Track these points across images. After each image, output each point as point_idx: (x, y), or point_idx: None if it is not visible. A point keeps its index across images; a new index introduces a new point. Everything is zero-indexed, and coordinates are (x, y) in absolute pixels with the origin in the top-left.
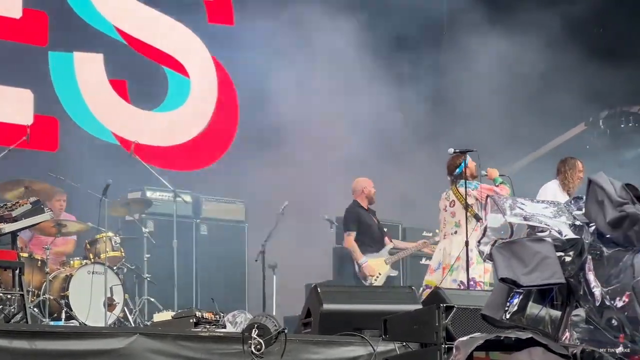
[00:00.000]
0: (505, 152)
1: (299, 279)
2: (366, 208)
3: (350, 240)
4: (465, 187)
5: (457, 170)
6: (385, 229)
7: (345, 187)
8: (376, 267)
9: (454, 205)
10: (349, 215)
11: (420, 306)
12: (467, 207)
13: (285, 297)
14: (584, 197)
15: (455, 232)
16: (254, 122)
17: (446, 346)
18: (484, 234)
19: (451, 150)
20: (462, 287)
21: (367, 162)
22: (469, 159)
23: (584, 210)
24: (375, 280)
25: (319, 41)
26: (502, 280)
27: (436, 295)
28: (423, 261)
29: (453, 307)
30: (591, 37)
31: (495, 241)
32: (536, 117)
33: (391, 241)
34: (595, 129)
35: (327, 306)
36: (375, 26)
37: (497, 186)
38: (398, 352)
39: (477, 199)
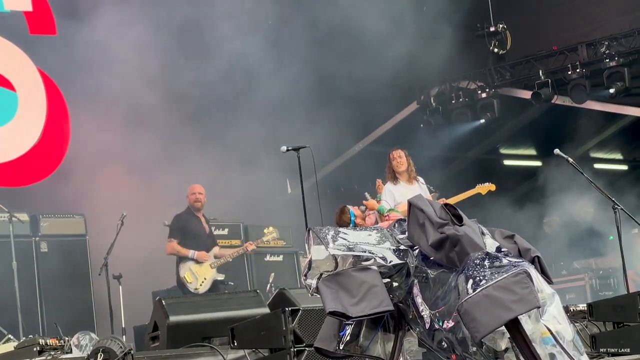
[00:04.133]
0: (340, 141)
1: (145, 287)
2: (197, 215)
3: (171, 246)
4: None
5: (351, 224)
6: (214, 236)
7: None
8: (201, 269)
9: None
10: (174, 222)
11: (267, 309)
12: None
13: (133, 307)
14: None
15: None
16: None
17: (295, 349)
18: (309, 268)
19: (284, 148)
20: None
21: (206, 166)
22: (351, 207)
23: (407, 233)
24: (202, 284)
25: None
26: (331, 313)
27: (282, 297)
28: (268, 258)
29: (299, 309)
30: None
31: (321, 274)
32: (367, 99)
33: (218, 246)
34: (427, 107)
35: (173, 318)
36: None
37: (387, 217)
38: (248, 359)
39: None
